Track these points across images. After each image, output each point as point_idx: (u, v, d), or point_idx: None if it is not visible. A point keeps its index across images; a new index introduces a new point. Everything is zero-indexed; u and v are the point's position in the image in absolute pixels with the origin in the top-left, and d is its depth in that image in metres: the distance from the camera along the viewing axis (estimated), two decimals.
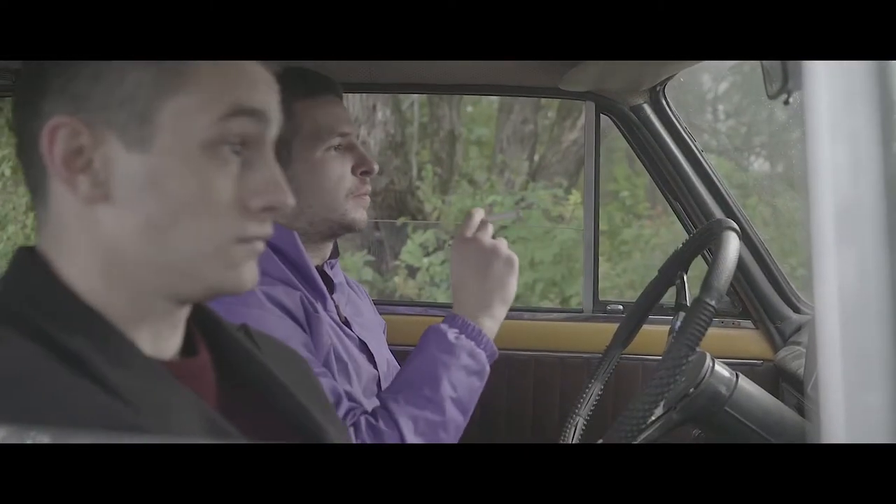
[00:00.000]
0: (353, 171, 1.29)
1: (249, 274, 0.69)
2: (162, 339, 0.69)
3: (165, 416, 0.62)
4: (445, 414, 1.15)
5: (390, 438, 1.12)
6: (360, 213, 1.31)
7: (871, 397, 0.44)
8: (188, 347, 0.72)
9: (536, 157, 6.29)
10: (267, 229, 0.70)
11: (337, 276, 1.35)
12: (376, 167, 1.32)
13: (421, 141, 6.49)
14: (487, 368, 1.21)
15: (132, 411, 0.60)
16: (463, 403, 1.17)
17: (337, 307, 1.30)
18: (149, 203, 0.64)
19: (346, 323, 1.30)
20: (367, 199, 1.33)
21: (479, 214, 1.29)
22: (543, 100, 5.71)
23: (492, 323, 1.22)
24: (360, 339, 1.30)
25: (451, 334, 1.19)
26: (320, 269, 1.31)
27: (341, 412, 1.13)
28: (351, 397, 1.17)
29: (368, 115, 5.68)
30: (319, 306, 1.24)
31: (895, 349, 0.44)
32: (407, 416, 1.13)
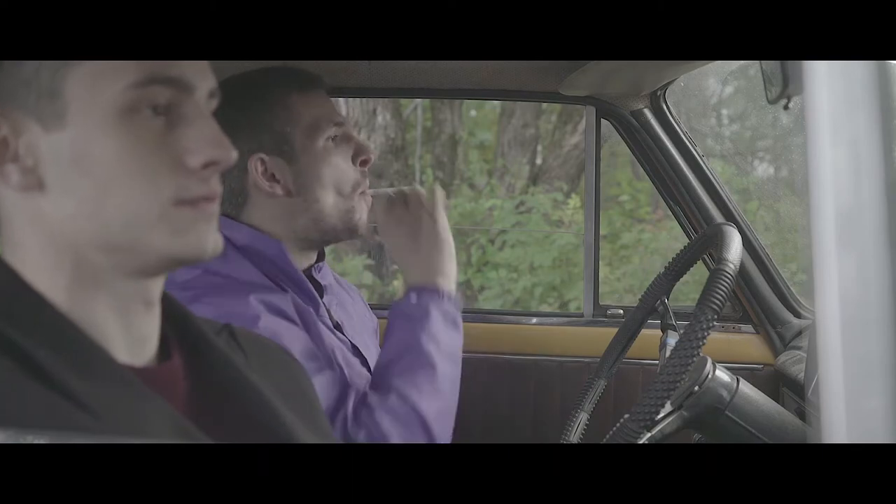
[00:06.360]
0: (353, 161, 1.27)
1: (209, 239, 0.66)
2: (138, 343, 0.67)
3: (133, 426, 0.60)
4: (436, 368, 1.15)
5: (392, 406, 1.12)
6: (365, 215, 1.28)
7: (871, 402, 0.44)
8: (163, 352, 0.70)
9: (538, 161, 6.28)
10: (213, 188, 0.66)
11: (325, 278, 1.32)
12: (374, 154, 1.30)
13: (425, 145, 6.48)
14: (460, 319, 1.22)
15: (95, 421, 0.58)
16: (447, 351, 1.18)
17: (329, 311, 1.28)
18: (80, 181, 0.63)
19: (338, 327, 1.28)
20: (370, 198, 1.29)
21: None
22: (545, 104, 5.72)
23: (446, 281, 1.23)
24: (352, 343, 1.28)
25: (414, 298, 1.20)
26: (308, 274, 1.28)
27: (351, 401, 1.12)
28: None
29: (369, 118, 5.68)
30: (312, 310, 1.22)
31: (895, 354, 0.44)
32: (400, 381, 1.14)
